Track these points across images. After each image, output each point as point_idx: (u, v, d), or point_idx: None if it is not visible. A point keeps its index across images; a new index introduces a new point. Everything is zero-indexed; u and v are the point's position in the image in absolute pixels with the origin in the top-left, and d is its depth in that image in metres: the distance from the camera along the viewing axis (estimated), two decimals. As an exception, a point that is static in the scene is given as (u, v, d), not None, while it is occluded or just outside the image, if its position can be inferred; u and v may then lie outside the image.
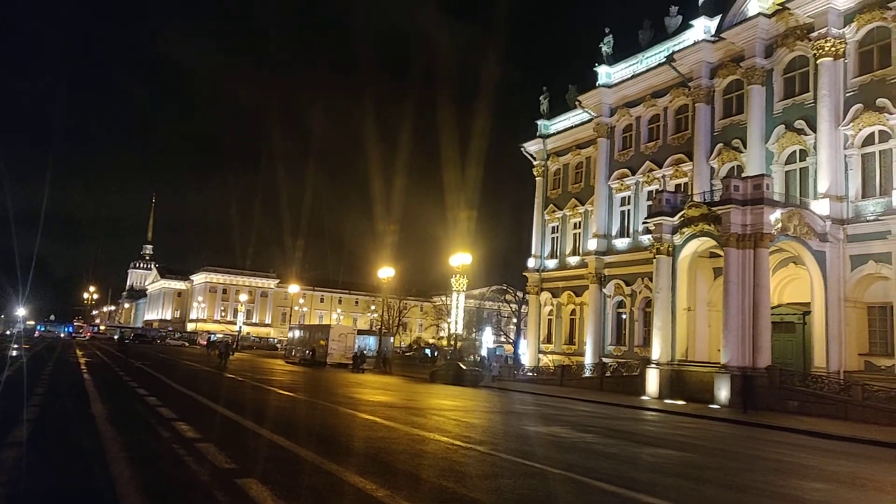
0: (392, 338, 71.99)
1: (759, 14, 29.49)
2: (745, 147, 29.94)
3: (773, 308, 25.96)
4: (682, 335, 28.32)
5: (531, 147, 45.70)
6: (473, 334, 70.32)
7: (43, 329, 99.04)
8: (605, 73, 39.28)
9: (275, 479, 6.90)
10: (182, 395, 17.57)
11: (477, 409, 19.27)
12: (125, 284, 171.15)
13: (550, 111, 45.58)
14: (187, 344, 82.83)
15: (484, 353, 60.86)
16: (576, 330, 40.97)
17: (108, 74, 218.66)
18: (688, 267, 28.59)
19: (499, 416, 17.57)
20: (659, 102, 35.73)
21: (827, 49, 26.65)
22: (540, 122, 45.63)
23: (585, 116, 41.16)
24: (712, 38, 31.78)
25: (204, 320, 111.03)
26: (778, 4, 28.80)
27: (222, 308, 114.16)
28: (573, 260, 41.43)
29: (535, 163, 45.65)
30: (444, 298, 75.37)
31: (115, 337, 73.90)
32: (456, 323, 42.61)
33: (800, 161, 28.26)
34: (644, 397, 27.62)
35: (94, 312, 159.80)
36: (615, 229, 37.93)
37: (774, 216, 24.81)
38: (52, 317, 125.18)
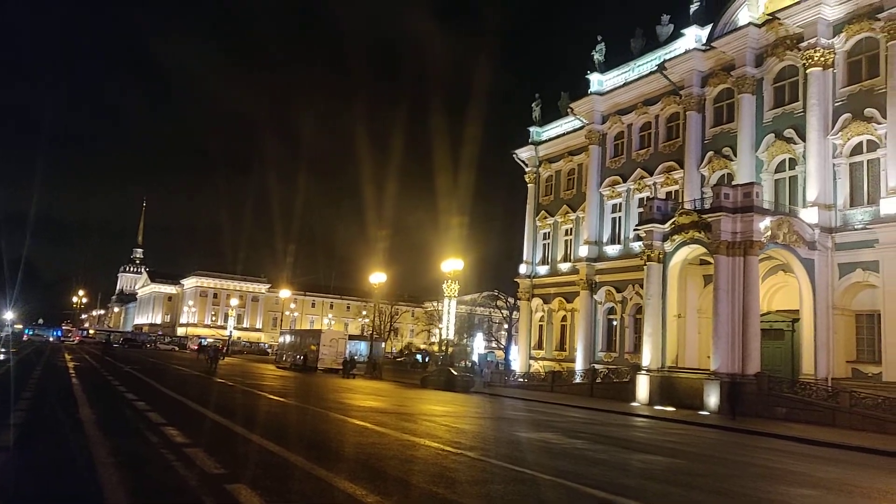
0: (383, 343, 71.82)
1: (749, 24, 29.78)
2: (736, 155, 30.19)
3: (762, 315, 26.14)
4: (672, 342, 28.43)
5: (523, 154, 45.85)
6: (465, 340, 70.23)
7: (31, 333, 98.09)
8: (597, 80, 39.52)
9: (264, 485, 6.88)
10: (171, 399, 17.47)
11: (468, 415, 19.26)
12: (115, 288, 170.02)
13: (542, 118, 45.77)
14: (177, 348, 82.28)
15: (475, 358, 60.87)
16: (566, 336, 41.05)
17: (100, 77, 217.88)
18: (678, 274, 28.74)
19: (489, 422, 17.57)
20: (650, 110, 35.97)
21: (816, 59, 26.94)
22: (532, 129, 45.81)
23: (577, 123, 41.35)
24: (703, 47, 32.06)
25: (194, 325, 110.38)
26: (768, 14, 29.11)
27: (213, 312, 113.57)
28: (564, 266, 41.55)
29: (527, 169, 45.78)
30: (435, 304, 75.38)
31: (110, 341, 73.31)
32: (447, 328, 42.60)
33: (789, 169, 28.51)
34: (634, 403, 27.69)
35: (84, 316, 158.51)
36: (606, 236, 38.09)
37: (764, 224, 25.00)
38: (41, 321, 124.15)
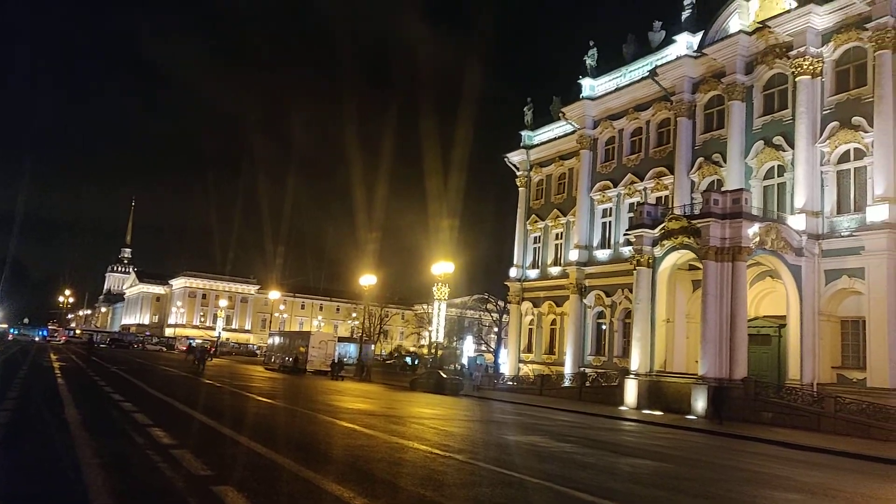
0: (373, 345, 71.68)
1: (740, 31, 30.04)
2: (725, 161, 30.42)
3: (749, 321, 26.32)
4: (660, 346, 28.57)
5: (515, 157, 45.97)
6: (454, 343, 70.21)
7: (16, 332, 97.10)
8: (589, 85, 39.70)
9: (251, 487, 6.85)
10: (158, 400, 17.36)
11: (456, 418, 19.26)
12: (102, 288, 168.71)
13: (534, 122, 45.92)
14: (165, 349, 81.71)
15: (465, 361, 60.83)
16: (556, 340, 41.15)
17: (90, 76, 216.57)
18: (667, 279, 28.90)
19: (478, 425, 17.58)
20: (641, 116, 36.18)
21: (805, 67, 27.21)
22: (524, 133, 45.94)
23: (569, 128, 41.53)
24: (694, 54, 32.29)
25: (183, 325, 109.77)
26: (758, 23, 29.38)
27: (202, 313, 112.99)
28: (554, 270, 41.66)
29: (518, 173, 45.91)
30: (425, 307, 75.37)
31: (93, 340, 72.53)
32: (437, 331, 42.59)
33: (778, 176, 28.76)
34: (623, 407, 27.79)
35: (70, 316, 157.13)
36: (596, 240, 38.24)
37: (752, 230, 25.19)
38: (27, 320, 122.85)
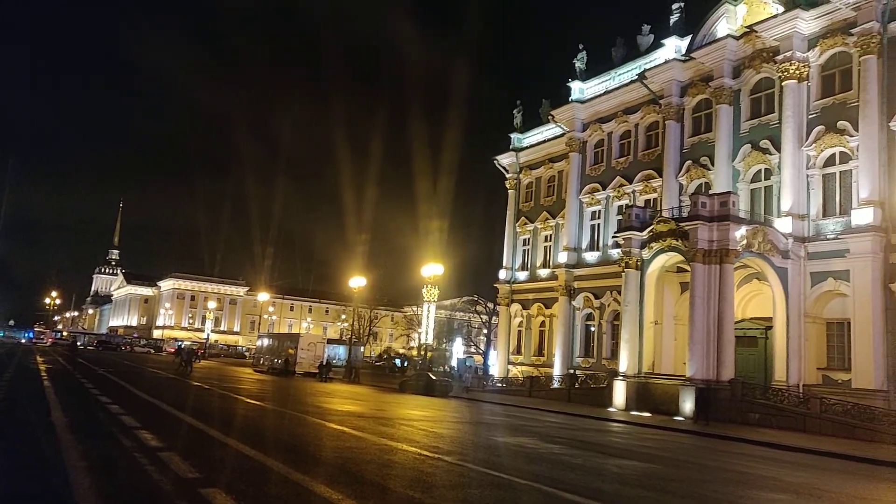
0: (362, 347, 71.58)
1: (727, 36, 30.30)
2: (713, 165, 30.65)
3: (736, 323, 26.54)
4: (648, 348, 28.73)
5: (504, 160, 46.10)
6: (444, 345, 70.26)
7: (2, 335, 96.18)
8: (578, 88, 39.88)
9: (240, 489, 6.84)
10: (146, 403, 17.25)
11: (446, 420, 19.28)
12: (90, 290, 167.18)
13: (524, 125, 46.07)
14: (153, 351, 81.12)
15: (454, 363, 60.86)
16: (545, 341, 41.27)
17: (76, 77, 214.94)
18: (655, 281, 29.07)
19: (467, 427, 17.60)
20: (630, 119, 36.39)
21: (791, 72, 27.49)
22: (513, 136, 46.09)
23: (558, 131, 41.69)
24: (683, 58, 32.53)
25: (171, 327, 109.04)
26: (746, 27, 29.65)
27: (190, 315, 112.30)
28: (544, 272, 41.79)
29: (507, 175, 46.03)
30: (415, 308, 75.29)
31: (79, 342, 71.83)
32: (426, 333, 42.59)
33: (765, 179, 29.03)
34: (611, 409, 27.91)
35: (57, 318, 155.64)
36: (585, 243, 38.40)
37: (740, 233, 25.40)
38: (12, 322, 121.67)
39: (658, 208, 31.75)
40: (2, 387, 17.75)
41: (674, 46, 33.61)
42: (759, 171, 29.24)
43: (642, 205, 33.18)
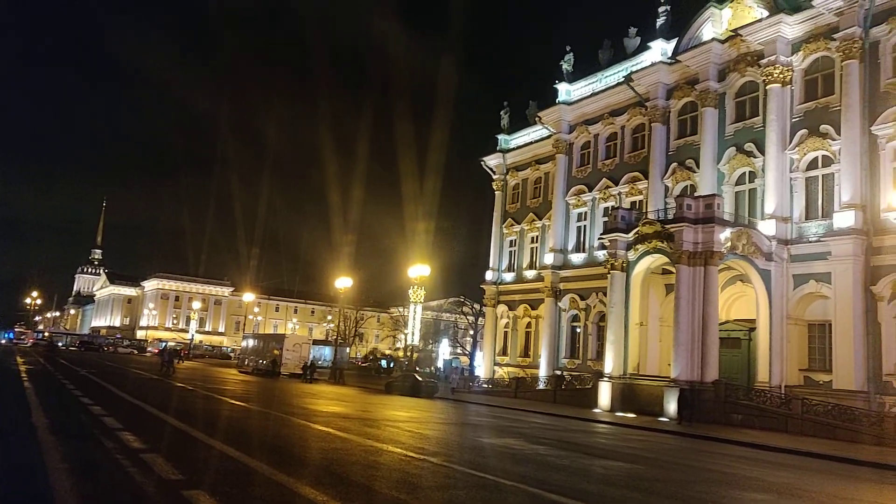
0: (348, 348, 71.34)
1: (713, 39, 30.57)
2: (698, 167, 30.88)
3: (720, 324, 26.77)
4: (634, 349, 28.89)
5: (491, 161, 46.18)
6: (430, 346, 70.23)
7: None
8: (565, 90, 40.04)
9: (224, 491, 6.79)
10: (129, 404, 17.07)
11: (432, 421, 19.26)
12: (72, 290, 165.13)
13: (511, 126, 46.18)
14: (137, 352, 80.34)
15: (440, 364, 60.87)
16: (531, 342, 41.37)
17: (59, 75, 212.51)
18: (641, 283, 29.24)
19: (453, 428, 17.60)
20: (617, 121, 36.58)
21: (775, 76, 27.78)
22: (500, 137, 46.19)
23: (545, 132, 41.82)
24: (669, 61, 32.77)
25: (155, 328, 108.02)
26: (731, 31, 29.93)
27: (174, 315, 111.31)
28: (530, 273, 41.90)
29: (494, 177, 46.11)
30: (401, 309, 75.16)
31: (61, 343, 71.02)
32: (413, 334, 42.54)
33: (749, 182, 29.30)
34: (596, 410, 28.03)
35: (38, 318, 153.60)
36: (571, 244, 38.55)
37: (724, 235, 25.62)
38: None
39: (644, 210, 31.94)
40: (-19, 388, 17.48)
41: (660, 49, 33.85)
42: (744, 173, 29.52)
43: (628, 207, 33.35)
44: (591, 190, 37.54)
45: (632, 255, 28.88)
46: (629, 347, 28.78)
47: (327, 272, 64.43)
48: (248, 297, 79.43)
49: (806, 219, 26.84)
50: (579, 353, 36.83)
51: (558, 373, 35.82)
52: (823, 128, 26.37)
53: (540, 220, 41.68)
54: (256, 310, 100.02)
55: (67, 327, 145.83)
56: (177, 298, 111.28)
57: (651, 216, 29.24)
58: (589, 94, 38.37)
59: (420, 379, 34.62)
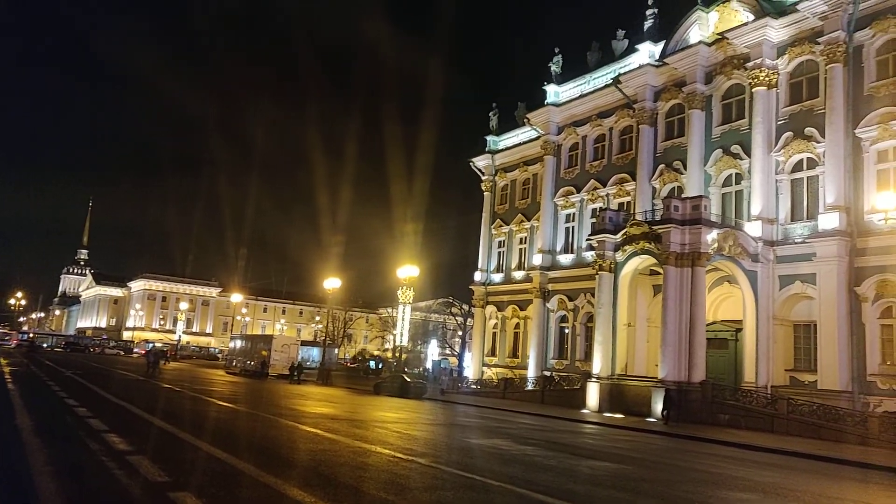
0: (337, 349, 71.12)
1: (700, 42, 30.80)
2: (686, 169, 31.09)
3: (708, 325, 26.95)
4: (622, 350, 29.02)
5: (480, 162, 46.24)
6: (419, 347, 70.16)
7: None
8: (553, 91, 40.18)
9: (210, 493, 6.76)
10: (115, 405, 16.93)
11: (420, 422, 19.26)
12: (57, 290, 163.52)
13: (499, 127, 46.25)
14: (123, 353, 79.65)
15: (429, 365, 60.82)
16: (519, 343, 41.44)
17: (45, 75, 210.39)
18: (629, 284, 29.38)
19: (442, 429, 17.61)
20: (605, 122, 36.75)
21: (761, 79, 28.04)
22: (489, 138, 46.25)
23: (533, 134, 41.93)
24: (656, 63, 32.97)
25: (142, 328, 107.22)
26: (717, 34, 30.16)
27: (161, 316, 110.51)
28: (518, 274, 41.98)
29: (483, 178, 46.17)
30: (390, 310, 75.10)
31: (46, 344, 70.17)
32: (401, 335, 42.49)
33: (735, 184, 29.54)
34: (584, 410, 28.14)
35: (22, 319, 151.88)
36: (560, 245, 38.67)
37: (711, 236, 25.81)
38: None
39: (631, 211, 32.10)
40: (-36, 390, 17.27)
41: (648, 51, 34.04)
42: (731, 175, 29.75)
43: (616, 208, 33.51)
44: (579, 191, 37.69)
45: (620, 256, 29.02)
46: (617, 348, 28.91)
47: (316, 273, 64.34)
48: (236, 297, 79.05)
49: (791, 220, 27.10)
50: (567, 354, 36.94)
51: (547, 373, 35.91)
52: (808, 130, 26.64)
53: (528, 221, 41.78)
54: (244, 310, 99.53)
55: (53, 328, 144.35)
56: (164, 299, 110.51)
57: (639, 217, 29.39)
58: (577, 95, 38.53)
59: (409, 380, 34.59)
